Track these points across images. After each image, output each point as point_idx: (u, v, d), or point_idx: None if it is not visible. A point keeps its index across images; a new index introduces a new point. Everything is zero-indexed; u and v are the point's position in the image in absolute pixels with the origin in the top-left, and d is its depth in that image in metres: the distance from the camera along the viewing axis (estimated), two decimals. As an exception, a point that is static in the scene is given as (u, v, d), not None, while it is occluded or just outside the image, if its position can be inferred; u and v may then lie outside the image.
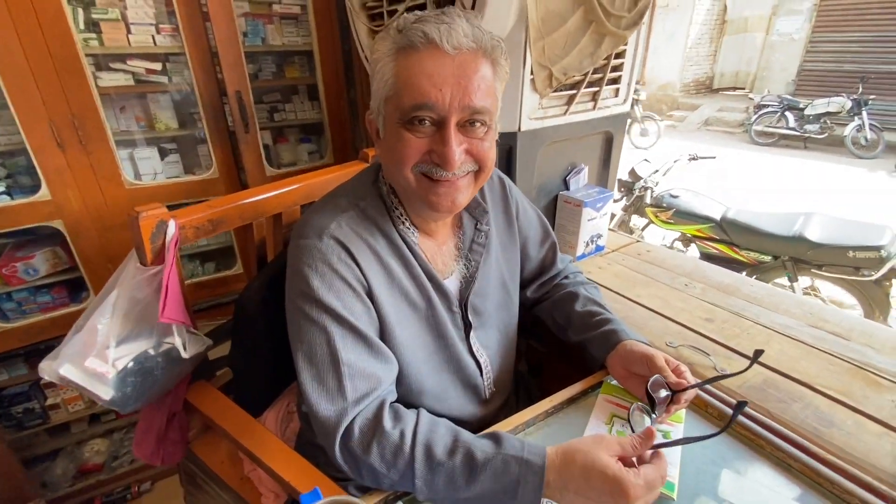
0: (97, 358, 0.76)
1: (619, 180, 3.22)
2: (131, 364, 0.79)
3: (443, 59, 0.60)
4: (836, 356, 0.87)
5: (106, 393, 0.79)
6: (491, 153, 0.69)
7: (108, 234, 1.55)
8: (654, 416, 0.70)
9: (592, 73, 1.15)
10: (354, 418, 0.63)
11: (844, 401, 0.76)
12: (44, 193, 1.42)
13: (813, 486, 0.64)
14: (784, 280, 2.64)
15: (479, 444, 0.60)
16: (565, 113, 1.16)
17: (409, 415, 0.65)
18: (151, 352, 0.81)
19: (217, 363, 1.14)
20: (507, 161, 1.14)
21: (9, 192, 1.46)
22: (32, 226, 1.45)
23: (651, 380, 0.70)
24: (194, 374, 0.99)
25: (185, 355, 0.84)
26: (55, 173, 1.41)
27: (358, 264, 0.69)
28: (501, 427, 0.74)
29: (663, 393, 0.70)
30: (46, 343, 1.61)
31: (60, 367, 0.76)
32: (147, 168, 1.64)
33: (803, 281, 2.64)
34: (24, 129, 1.34)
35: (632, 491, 0.51)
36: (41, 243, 1.58)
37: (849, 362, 0.85)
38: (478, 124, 0.65)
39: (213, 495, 1.09)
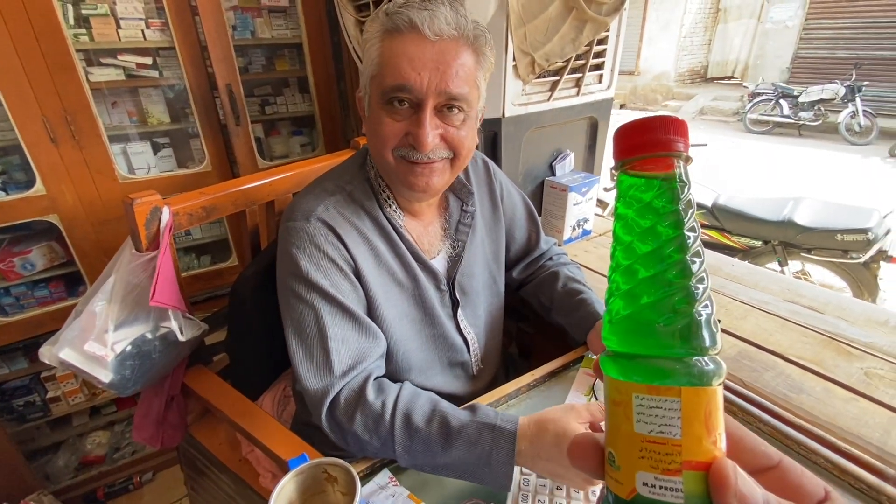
0: (96, 342, 0.79)
1: (611, 169, 3.24)
2: (129, 347, 0.82)
3: (424, 44, 0.63)
4: (809, 328, 0.90)
5: (105, 376, 0.81)
6: (467, 141, 0.71)
7: (103, 228, 1.57)
8: None
9: (575, 60, 1.17)
10: (341, 390, 0.66)
11: (815, 369, 0.79)
12: (38, 188, 1.44)
13: (782, 448, 0.67)
14: (774, 265, 2.67)
15: (455, 413, 0.63)
16: (549, 99, 1.19)
17: (392, 387, 0.68)
18: (149, 335, 0.84)
19: (214, 348, 1.17)
20: (493, 147, 1.16)
21: (3, 188, 1.47)
22: (28, 221, 1.47)
23: None
24: (192, 358, 1.02)
25: (181, 339, 0.87)
26: (49, 168, 1.43)
27: (345, 245, 0.72)
28: (485, 399, 0.78)
29: None
30: (46, 336, 1.63)
31: (60, 350, 0.78)
32: (140, 162, 1.66)
33: (794, 265, 2.67)
34: (18, 124, 1.36)
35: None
36: (37, 238, 1.60)
37: (822, 334, 0.89)
38: (455, 110, 0.67)
39: (213, 478, 1.12)
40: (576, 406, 0.60)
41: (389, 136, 0.67)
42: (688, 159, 0.25)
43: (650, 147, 0.25)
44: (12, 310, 1.59)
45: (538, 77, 1.11)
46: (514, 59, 1.06)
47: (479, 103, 0.72)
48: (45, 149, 1.41)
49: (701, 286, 0.23)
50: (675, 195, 0.24)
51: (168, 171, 1.69)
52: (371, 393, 0.65)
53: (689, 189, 0.24)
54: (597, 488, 0.59)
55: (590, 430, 0.58)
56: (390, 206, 0.78)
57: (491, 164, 0.96)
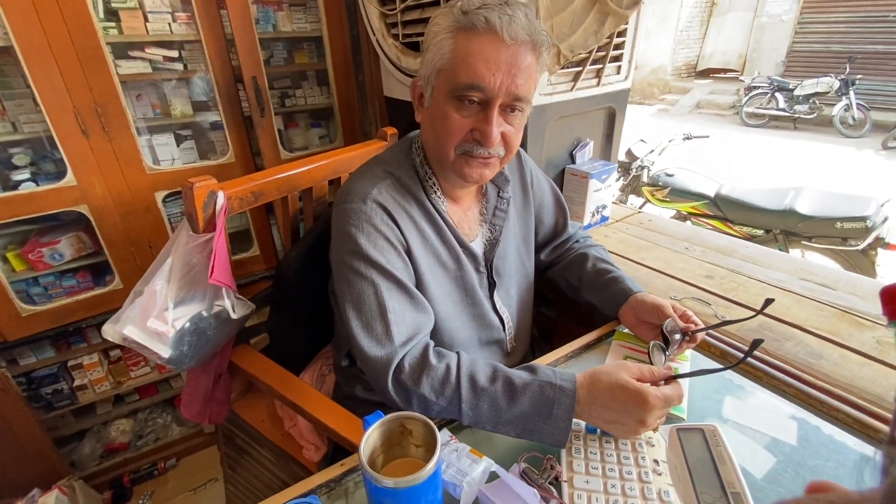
0: (158, 319, 0.83)
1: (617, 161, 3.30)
2: (187, 324, 0.87)
3: (500, 46, 0.67)
4: (824, 303, 0.96)
5: (165, 352, 0.86)
6: (517, 140, 0.77)
7: (131, 219, 1.60)
8: (667, 353, 0.79)
9: (597, 51, 1.22)
10: (403, 357, 0.71)
11: (832, 338, 0.85)
12: (69, 179, 1.47)
13: (805, 406, 0.73)
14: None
15: (517, 373, 0.68)
16: (572, 89, 1.23)
17: (450, 353, 0.73)
18: (205, 313, 0.88)
19: (252, 331, 1.22)
20: (520, 135, 1.21)
21: (34, 179, 1.51)
22: (58, 211, 1.50)
23: (666, 323, 0.79)
24: (235, 339, 1.07)
25: (234, 316, 0.91)
26: (80, 160, 1.46)
27: (398, 226, 0.77)
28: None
29: (677, 335, 0.79)
30: (74, 325, 1.67)
31: (124, 328, 0.83)
32: (165, 154, 1.69)
33: (794, 253, 2.75)
34: (50, 117, 1.39)
35: (651, 399, 0.60)
36: (65, 229, 1.63)
37: (836, 308, 0.95)
38: (516, 110, 0.72)
39: (254, 454, 1.17)
40: (625, 363, 0.66)
41: (455, 132, 0.72)
42: None
43: None
44: (40, 299, 1.63)
45: (563, 68, 1.15)
46: (541, 51, 1.10)
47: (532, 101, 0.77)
48: (77, 140, 1.44)
49: None
50: None
51: (191, 163, 1.72)
52: (433, 358, 0.70)
53: None
54: (643, 440, 0.65)
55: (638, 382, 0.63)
56: (435, 192, 0.83)
57: (522, 152, 1.01)
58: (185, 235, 0.86)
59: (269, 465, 1.15)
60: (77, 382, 1.78)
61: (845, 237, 2.48)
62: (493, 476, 0.61)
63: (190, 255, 0.86)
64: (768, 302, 0.72)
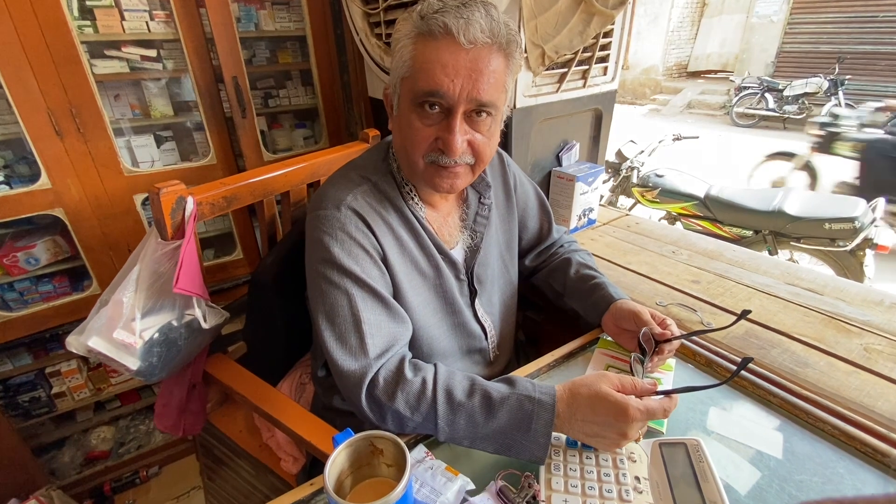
0: (124, 329, 0.80)
1: (606, 161, 3.29)
2: (156, 335, 0.83)
3: (458, 51, 0.64)
4: (810, 309, 0.95)
5: (133, 363, 0.82)
6: (490, 147, 0.73)
7: (109, 222, 1.56)
8: (644, 363, 0.76)
9: (582, 52, 1.20)
10: (378, 371, 0.68)
11: (818, 345, 0.84)
12: (44, 182, 1.43)
13: (790, 417, 0.71)
14: (764, 254, 2.75)
15: (495, 386, 0.66)
16: (557, 90, 1.21)
17: (427, 366, 0.70)
18: (175, 323, 0.85)
19: (229, 339, 1.18)
20: (504, 138, 1.18)
21: (7, 182, 1.46)
22: (33, 215, 1.46)
23: (641, 332, 0.77)
24: (210, 348, 1.03)
25: (205, 326, 0.88)
26: (54, 162, 1.42)
27: (373, 233, 0.74)
28: (510, 378, 0.80)
29: (653, 344, 0.77)
30: (51, 331, 1.63)
31: (89, 339, 0.79)
32: (144, 156, 1.65)
33: (783, 254, 2.75)
34: (23, 118, 1.34)
35: (631, 411, 0.58)
36: (41, 233, 1.59)
37: (822, 313, 0.93)
38: (483, 115, 0.69)
39: (232, 465, 1.14)
40: (605, 374, 0.64)
41: (420, 141, 0.69)
42: None
43: None
44: (16, 305, 1.58)
45: (548, 69, 1.13)
46: (525, 52, 1.08)
47: (506, 104, 0.74)
48: (51, 142, 1.40)
49: None
50: None
51: (172, 165, 1.68)
52: (409, 372, 0.67)
53: None
54: (624, 456, 0.63)
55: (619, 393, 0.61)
56: (413, 198, 0.80)
57: (505, 155, 0.98)
58: (154, 242, 0.83)
59: (248, 476, 1.11)
60: (55, 390, 1.74)
61: (833, 238, 2.48)
62: (468, 495, 0.59)
63: (158, 264, 0.83)
64: (745, 313, 0.70)
